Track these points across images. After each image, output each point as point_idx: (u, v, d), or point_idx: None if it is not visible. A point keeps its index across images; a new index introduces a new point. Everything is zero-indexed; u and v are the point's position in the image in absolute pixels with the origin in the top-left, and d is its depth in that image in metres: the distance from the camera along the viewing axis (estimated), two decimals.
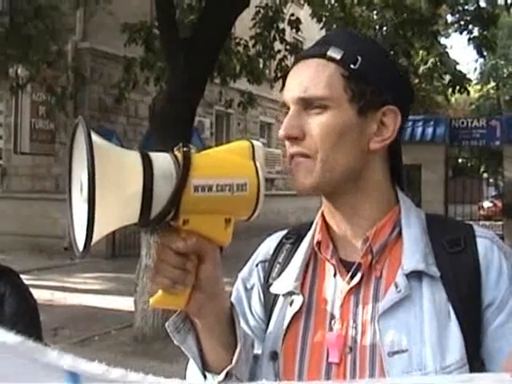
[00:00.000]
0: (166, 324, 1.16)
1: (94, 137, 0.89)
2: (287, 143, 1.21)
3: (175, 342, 1.17)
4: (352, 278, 1.22)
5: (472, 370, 1.10)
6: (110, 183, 0.90)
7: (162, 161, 0.98)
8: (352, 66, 1.18)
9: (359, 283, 1.21)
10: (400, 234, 1.22)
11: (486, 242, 1.20)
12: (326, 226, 1.29)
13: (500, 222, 13.81)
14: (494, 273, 1.17)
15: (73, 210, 0.98)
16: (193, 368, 1.19)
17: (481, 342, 1.15)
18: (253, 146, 1.08)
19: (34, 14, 11.34)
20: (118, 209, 0.94)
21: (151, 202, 0.95)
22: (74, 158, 0.97)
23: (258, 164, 1.06)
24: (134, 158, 0.95)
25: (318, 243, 1.27)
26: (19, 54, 11.67)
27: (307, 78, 1.20)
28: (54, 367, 1.07)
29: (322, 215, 1.30)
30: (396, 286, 1.16)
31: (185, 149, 1.00)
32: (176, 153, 1.00)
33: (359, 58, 1.18)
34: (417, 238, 1.20)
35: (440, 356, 1.11)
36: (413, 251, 1.18)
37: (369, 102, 1.18)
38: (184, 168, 0.97)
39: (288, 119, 1.21)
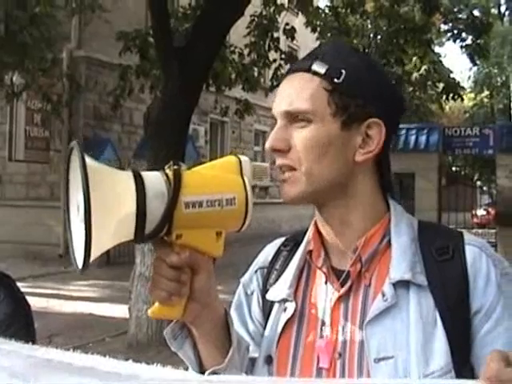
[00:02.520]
0: (164, 331, 1.19)
1: (88, 161, 0.94)
2: (275, 155, 1.25)
3: (172, 348, 1.21)
4: (342, 285, 1.25)
5: (460, 376, 1.12)
6: (105, 205, 0.95)
7: (154, 180, 1.02)
8: (336, 80, 1.21)
9: (349, 291, 1.24)
10: (390, 242, 1.25)
11: (474, 250, 1.22)
12: (318, 234, 1.32)
13: (493, 230, 13.83)
14: (482, 280, 1.19)
15: (71, 228, 1.03)
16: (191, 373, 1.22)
17: (469, 349, 1.18)
18: (240, 161, 1.12)
19: (30, 21, 11.35)
20: (114, 228, 0.98)
21: (145, 220, 1.00)
22: (71, 180, 1.02)
23: (245, 178, 1.10)
24: (126, 178, 1.00)
25: (310, 252, 1.31)
26: (15, 61, 11.68)
27: (293, 92, 1.24)
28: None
29: (315, 224, 1.34)
30: (383, 295, 1.19)
31: (175, 167, 1.04)
32: (167, 171, 1.04)
33: (343, 72, 1.21)
34: (405, 248, 1.23)
35: (424, 363, 1.14)
36: (400, 261, 1.21)
37: (352, 115, 1.21)
38: (175, 186, 1.02)
39: (274, 132, 1.25)
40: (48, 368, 1.07)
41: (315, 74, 1.23)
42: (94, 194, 0.92)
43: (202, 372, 1.19)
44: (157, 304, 1.10)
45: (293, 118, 1.24)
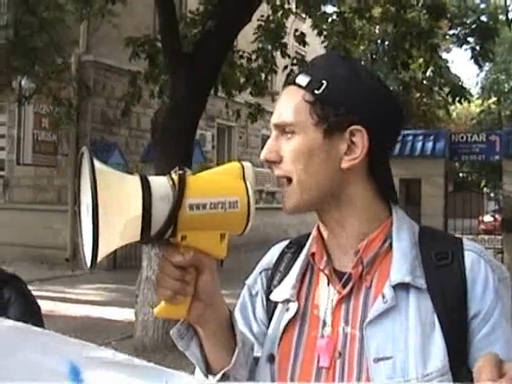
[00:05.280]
0: (171, 331, 1.23)
1: (97, 164, 0.99)
2: (269, 165, 1.31)
3: (179, 347, 1.24)
4: (344, 287, 1.29)
5: (458, 377, 1.16)
6: (113, 207, 0.99)
7: (160, 183, 1.07)
8: (316, 91, 1.26)
9: (350, 292, 1.28)
10: (391, 246, 1.29)
11: (473, 256, 1.26)
12: (320, 237, 1.37)
13: (500, 237, 13.79)
14: (480, 285, 1.23)
15: (82, 228, 1.08)
16: (198, 371, 1.26)
17: (467, 352, 1.21)
18: (243, 166, 1.16)
19: (40, 26, 11.42)
20: (121, 229, 1.02)
21: (150, 221, 1.04)
22: (82, 183, 1.06)
23: (248, 183, 1.14)
24: (133, 182, 1.04)
25: (313, 254, 1.35)
26: (25, 66, 11.75)
27: (281, 105, 1.31)
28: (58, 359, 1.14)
29: (318, 228, 1.38)
30: (383, 297, 1.23)
31: (180, 171, 1.08)
32: (172, 175, 1.08)
33: (324, 83, 1.26)
34: (406, 251, 1.27)
35: (422, 364, 1.17)
36: (401, 264, 1.25)
37: (333, 123, 1.25)
38: (179, 189, 1.06)
39: (267, 144, 1.31)
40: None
41: (299, 86, 1.29)
42: (102, 195, 0.96)
43: (209, 371, 1.23)
44: (162, 303, 1.14)
45: (281, 129, 1.30)
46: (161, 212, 1.04)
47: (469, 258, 1.26)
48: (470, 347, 1.21)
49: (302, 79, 1.29)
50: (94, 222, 0.95)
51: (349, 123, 1.26)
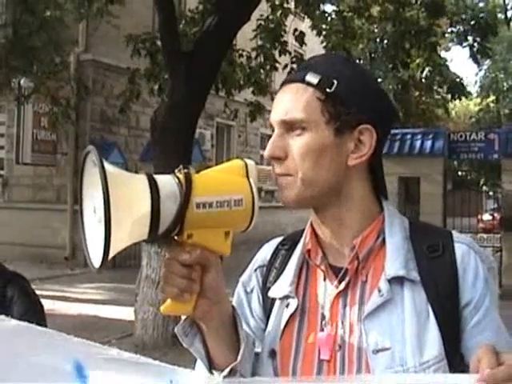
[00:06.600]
0: (176, 329, 1.24)
1: (106, 165, 0.99)
2: (273, 162, 1.32)
3: (184, 344, 1.25)
4: (340, 282, 1.32)
5: (452, 364, 1.21)
6: (122, 206, 1.00)
7: (166, 182, 1.08)
8: (328, 89, 1.28)
9: (346, 287, 1.32)
10: (384, 241, 1.33)
11: (463, 247, 1.30)
12: (315, 234, 1.39)
13: (499, 235, 13.80)
14: (471, 275, 1.27)
15: (85, 229, 1.08)
16: (200, 367, 1.28)
17: (460, 339, 1.25)
18: (246, 164, 1.18)
19: (38, 25, 11.42)
20: (130, 228, 1.03)
21: (159, 220, 1.05)
22: (85, 183, 1.07)
23: (251, 180, 1.16)
24: (141, 181, 1.05)
25: (308, 251, 1.38)
26: (24, 65, 11.75)
27: (288, 102, 1.31)
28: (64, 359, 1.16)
29: (311, 225, 1.41)
30: (379, 291, 1.27)
31: (185, 170, 1.10)
32: (178, 174, 1.10)
33: (335, 82, 1.28)
34: (399, 246, 1.31)
35: (419, 353, 1.21)
36: (394, 258, 1.29)
37: (345, 122, 1.28)
38: (186, 188, 1.07)
39: (272, 141, 1.32)
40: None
41: (309, 84, 1.30)
42: (113, 195, 0.97)
43: (212, 367, 1.25)
44: (169, 301, 1.15)
45: (289, 126, 1.30)
46: (168, 211, 1.05)
47: (459, 249, 1.30)
48: (462, 335, 1.25)
49: (312, 77, 1.30)
50: (106, 222, 0.96)
51: (359, 122, 1.29)
